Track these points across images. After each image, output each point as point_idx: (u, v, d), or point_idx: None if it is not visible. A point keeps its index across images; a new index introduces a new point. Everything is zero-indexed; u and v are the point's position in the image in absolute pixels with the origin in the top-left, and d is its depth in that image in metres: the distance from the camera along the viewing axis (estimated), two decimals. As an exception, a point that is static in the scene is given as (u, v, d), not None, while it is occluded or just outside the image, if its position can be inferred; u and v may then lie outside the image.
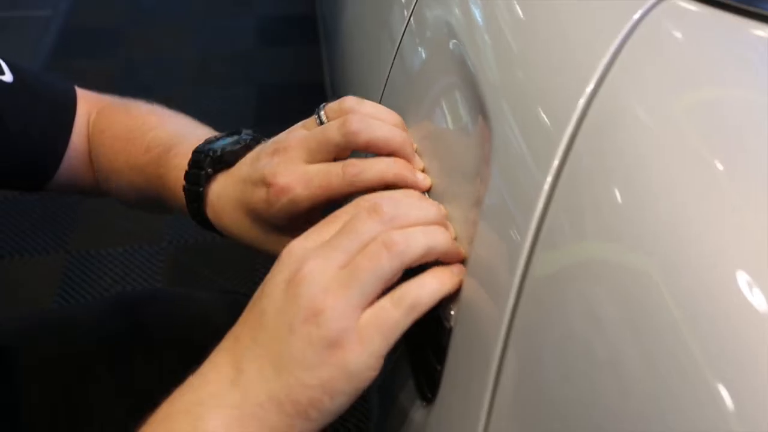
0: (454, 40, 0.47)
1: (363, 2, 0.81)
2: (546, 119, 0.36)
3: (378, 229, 0.39)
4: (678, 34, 0.34)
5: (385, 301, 0.38)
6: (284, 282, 0.38)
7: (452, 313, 0.40)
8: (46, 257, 1.66)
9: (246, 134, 0.52)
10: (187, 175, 0.52)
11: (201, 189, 0.51)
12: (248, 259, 1.64)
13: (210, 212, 0.52)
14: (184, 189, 0.52)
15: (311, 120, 0.49)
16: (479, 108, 0.42)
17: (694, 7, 0.35)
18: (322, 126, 0.47)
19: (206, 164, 0.50)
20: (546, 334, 0.32)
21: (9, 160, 0.60)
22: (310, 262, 0.38)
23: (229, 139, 0.52)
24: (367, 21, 0.77)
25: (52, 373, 0.67)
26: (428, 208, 0.42)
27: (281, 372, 0.37)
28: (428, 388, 0.41)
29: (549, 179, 0.34)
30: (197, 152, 0.51)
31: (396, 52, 0.58)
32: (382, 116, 0.47)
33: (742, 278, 0.25)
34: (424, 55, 0.55)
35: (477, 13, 0.47)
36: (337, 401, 0.37)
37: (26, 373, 0.66)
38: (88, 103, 0.65)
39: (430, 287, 0.39)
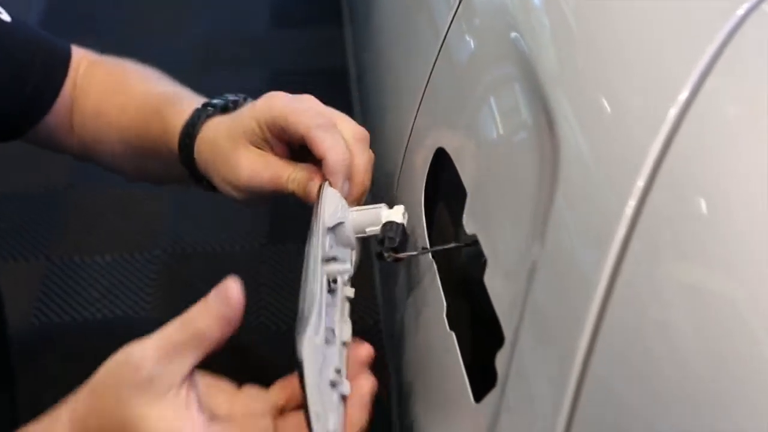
0: (515, 33, 0.46)
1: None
2: (628, 132, 0.35)
3: None
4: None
5: None
6: None
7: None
8: (24, 264, 1.67)
9: (247, 98, 0.63)
10: (197, 110, 0.61)
11: (200, 121, 0.60)
12: (252, 272, 1.64)
13: (197, 142, 0.60)
14: (186, 123, 0.61)
15: None
16: (543, 112, 0.41)
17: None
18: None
19: (218, 105, 0.61)
20: (628, 354, 0.32)
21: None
22: None
23: (234, 96, 0.63)
24: (406, 3, 0.77)
25: None
26: None
27: None
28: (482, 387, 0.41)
29: (632, 203, 0.33)
30: (215, 98, 0.63)
31: (442, 44, 0.57)
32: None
33: None
34: (475, 47, 0.54)
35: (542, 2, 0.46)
36: None
37: None
38: (78, 55, 0.73)
39: None
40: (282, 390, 0.47)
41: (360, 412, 0.45)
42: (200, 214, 1.79)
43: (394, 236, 0.50)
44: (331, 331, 0.46)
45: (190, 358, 0.45)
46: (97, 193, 1.86)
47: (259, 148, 0.56)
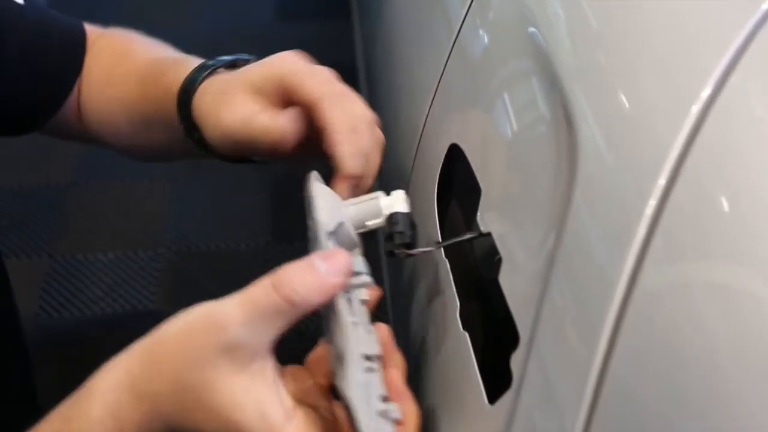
0: (532, 27, 0.46)
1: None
2: (649, 128, 0.35)
3: None
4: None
5: None
6: None
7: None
8: (27, 261, 1.67)
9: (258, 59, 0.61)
10: (199, 66, 0.61)
11: (205, 71, 0.60)
12: (256, 270, 1.64)
13: (198, 93, 0.59)
14: (186, 79, 0.60)
15: None
16: (561, 108, 0.41)
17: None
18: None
19: (219, 61, 0.61)
20: (650, 354, 0.32)
21: (18, 89, 0.65)
22: None
23: (246, 56, 0.64)
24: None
25: None
26: None
27: None
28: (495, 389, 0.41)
29: (653, 202, 0.32)
30: (215, 58, 0.62)
31: (455, 38, 0.57)
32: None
33: None
34: (490, 42, 0.54)
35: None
36: None
37: None
38: (89, 32, 0.72)
39: None
40: (317, 365, 0.45)
41: (410, 406, 0.43)
42: (204, 213, 1.80)
43: (404, 230, 0.46)
44: (366, 357, 0.42)
45: (279, 326, 0.40)
46: (100, 191, 1.86)
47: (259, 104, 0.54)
